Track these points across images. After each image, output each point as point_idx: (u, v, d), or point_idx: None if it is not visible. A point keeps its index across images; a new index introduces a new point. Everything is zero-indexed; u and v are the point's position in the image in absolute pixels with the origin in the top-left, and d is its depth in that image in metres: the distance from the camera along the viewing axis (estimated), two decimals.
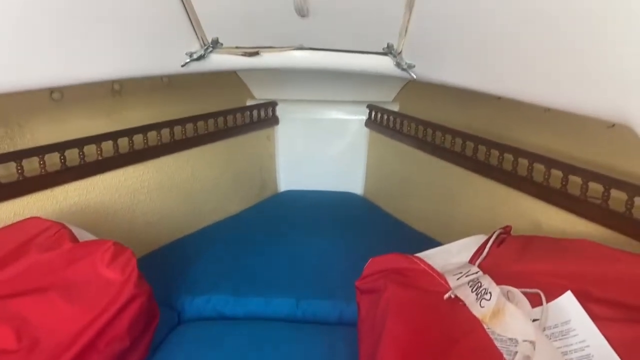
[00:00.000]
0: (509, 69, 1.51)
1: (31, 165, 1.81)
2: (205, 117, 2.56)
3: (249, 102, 3.09)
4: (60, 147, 1.87)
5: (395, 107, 3.00)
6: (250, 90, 3.18)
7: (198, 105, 2.63)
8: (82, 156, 1.95)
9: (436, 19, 1.55)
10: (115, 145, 2.09)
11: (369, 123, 3.07)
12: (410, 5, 1.56)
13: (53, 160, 1.87)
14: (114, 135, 2.07)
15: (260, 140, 3.05)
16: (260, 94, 3.17)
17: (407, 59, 1.78)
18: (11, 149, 1.80)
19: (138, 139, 2.19)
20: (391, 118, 2.83)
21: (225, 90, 2.96)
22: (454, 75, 1.69)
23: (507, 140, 2.03)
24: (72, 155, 1.93)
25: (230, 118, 2.74)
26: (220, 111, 2.68)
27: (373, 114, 3.03)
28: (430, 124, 2.47)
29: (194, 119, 2.48)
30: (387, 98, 3.10)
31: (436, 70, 1.74)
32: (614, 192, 1.56)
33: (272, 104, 3.10)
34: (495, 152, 2.04)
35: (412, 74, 1.79)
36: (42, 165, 1.81)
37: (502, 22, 1.40)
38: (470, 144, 2.18)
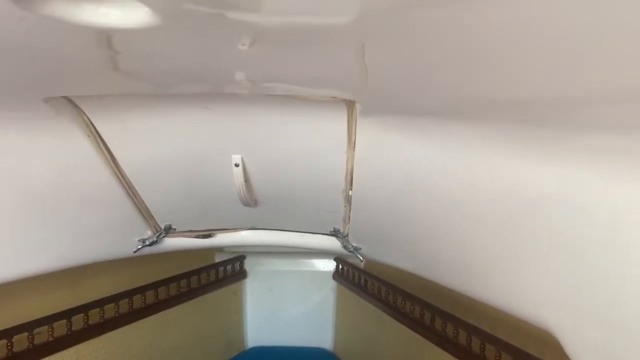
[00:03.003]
0: (439, 261, 1.56)
1: None
2: (167, 281, 2.56)
3: (218, 257, 3.11)
4: (8, 334, 1.84)
5: None
6: None
7: (168, 264, 2.64)
8: (32, 339, 1.92)
9: (372, 213, 1.63)
10: (69, 324, 2.06)
11: (337, 276, 3.08)
12: (348, 200, 1.64)
13: None
14: (67, 314, 2.06)
15: (226, 296, 3.03)
16: (230, 247, 3.21)
17: (353, 242, 1.84)
18: None
19: (94, 313, 2.17)
20: (356, 274, 2.84)
21: None
22: (395, 259, 1.75)
23: (471, 307, 2.02)
24: (21, 338, 1.90)
25: (194, 279, 2.74)
26: (184, 273, 2.69)
27: (340, 266, 3.05)
28: (391, 286, 2.48)
29: (155, 285, 2.48)
30: None
31: (380, 254, 1.80)
32: None
33: (241, 258, 3.12)
34: (450, 325, 2.03)
35: (359, 256, 1.84)
36: None
37: (430, 219, 1.48)
38: (427, 314, 2.18)
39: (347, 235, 1.84)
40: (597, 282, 1.12)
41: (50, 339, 1.99)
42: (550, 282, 1.21)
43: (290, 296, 3.17)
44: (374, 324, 2.68)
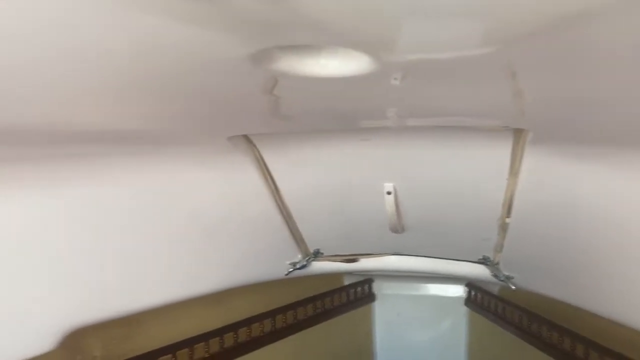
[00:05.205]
0: (608, 295, 1.47)
1: None
2: (304, 302, 2.64)
3: (346, 279, 3.15)
4: (172, 349, 2.01)
5: (496, 285, 2.91)
6: None
7: (299, 286, 2.72)
8: (191, 354, 2.07)
9: (531, 242, 1.58)
10: (222, 341, 2.20)
11: (469, 302, 2.99)
12: (504, 228, 1.60)
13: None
14: (220, 332, 2.19)
15: (356, 318, 3.05)
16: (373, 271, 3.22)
17: (504, 270, 1.78)
18: (131, 348, 1.97)
19: (243, 332, 2.30)
20: (491, 301, 2.74)
21: None
22: (554, 289, 1.68)
23: (630, 340, 1.87)
24: (182, 353, 2.06)
25: (327, 300, 2.80)
26: (319, 294, 2.76)
27: (472, 292, 2.96)
28: (535, 315, 2.35)
29: (293, 306, 2.57)
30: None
31: (535, 283, 1.73)
32: None
33: (369, 281, 3.14)
34: None
35: (511, 285, 1.79)
36: None
37: (602, 251, 1.40)
38: (580, 346, 2.04)
39: (497, 263, 1.79)
40: None
41: (207, 355, 2.14)
42: None
43: (419, 321, 3.12)
44: (513, 354, 2.56)
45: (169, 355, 2.00)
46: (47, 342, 1.48)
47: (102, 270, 1.59)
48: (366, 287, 3.13)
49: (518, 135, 1.25)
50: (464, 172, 1.47)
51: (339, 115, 1.22)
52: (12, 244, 1.28)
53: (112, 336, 2.02)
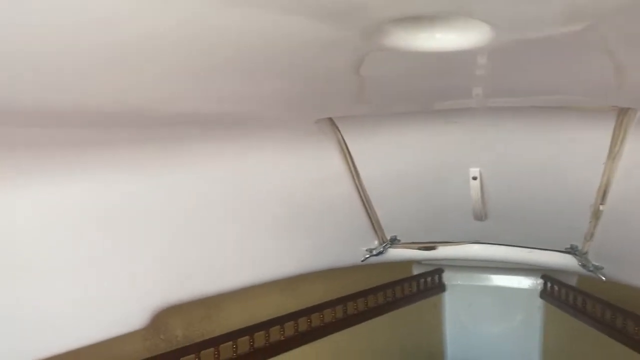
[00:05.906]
0: None
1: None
2: (375, 290, 2.63)
3: (415, 269, 3.11)
4: (249, 331, 2.05)
5: (574, 277, 2.79)
6: None
7: (368, 272, 2.72)
8: (268, 337, 2.11)
9: (630, 230, 1.49)
10: (296, 325, 2.23)
11: (545, 294, 2.88)
12: (596, 215, 1.53)
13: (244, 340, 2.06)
14: (295, 316, 2.22)
15: (426, 309, 3.01)
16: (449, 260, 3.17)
17: (593, 260, 1.70)
18: (210, 329, 2.04)
19: (315, 317, 2.32)
20: (570, 293, 2.62)
21: None
22: None
23: None
24: (259, 336, 2.10)
25: (398, 289, 2.78)
26: (388, 283, 2.74)
27: (548, 284, 2.85)
28: (620, 309, 2.24)
29: (364, 293, 2.56)
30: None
31: (628, 274, 1.64)
32: None
33: (439, 271, 3.09)
34: None
35: (601, 276, 1.70)
36: (234, 349, 2.00)
37: None
38: None
39: (586, 252, 1.71)
40: None
41: (282, 338, 2.17)
42: None
43: (491, 313, 3.04)
44: (593, 349, 2.44)
45: (247, 337, 2.05)
46: (139, 320, 1.54)
47: (188, 252, 1.64)
48: (436, 277, 3.08)
49: (622, 115, 1.17)
50: (556, 156, 1.40)
51: (424, 95, 1.20)
52: (122, 227, 1.34)
53: (193, 317, 2.09)
